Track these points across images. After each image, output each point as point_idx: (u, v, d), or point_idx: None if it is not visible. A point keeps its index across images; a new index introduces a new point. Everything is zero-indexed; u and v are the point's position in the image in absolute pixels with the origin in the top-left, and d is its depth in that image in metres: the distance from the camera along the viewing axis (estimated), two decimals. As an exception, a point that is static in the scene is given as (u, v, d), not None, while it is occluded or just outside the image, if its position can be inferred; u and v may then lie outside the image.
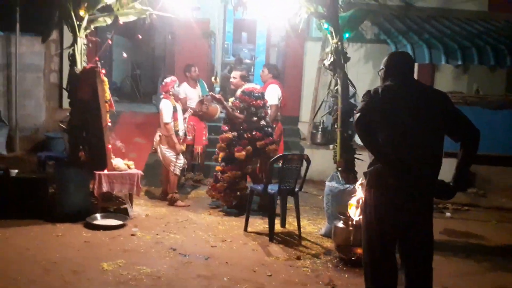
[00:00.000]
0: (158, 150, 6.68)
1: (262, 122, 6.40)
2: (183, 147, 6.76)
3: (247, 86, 6.48)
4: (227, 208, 6.48)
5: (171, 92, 6.67)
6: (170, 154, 6.59)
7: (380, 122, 3.32)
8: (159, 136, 6.64)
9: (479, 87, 9.43)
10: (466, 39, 7.88)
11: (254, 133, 6.31)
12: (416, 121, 3.27)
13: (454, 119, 3.36)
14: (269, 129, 6.50)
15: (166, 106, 6.55)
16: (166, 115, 6.51)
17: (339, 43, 5.72)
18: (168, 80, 6.71)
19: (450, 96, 8.46)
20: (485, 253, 5.43)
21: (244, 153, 6.25)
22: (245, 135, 6.32)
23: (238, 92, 6.50)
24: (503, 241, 5.84)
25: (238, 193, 6.42)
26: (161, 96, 6.77)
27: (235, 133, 6.35)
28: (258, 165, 6.58)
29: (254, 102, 6.33)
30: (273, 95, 7.19)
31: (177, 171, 6.65)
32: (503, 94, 8.99)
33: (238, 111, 6.35)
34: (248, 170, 6.42)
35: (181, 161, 6.70)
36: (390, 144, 3.28)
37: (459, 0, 9.62)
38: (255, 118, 6.34)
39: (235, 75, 6.63)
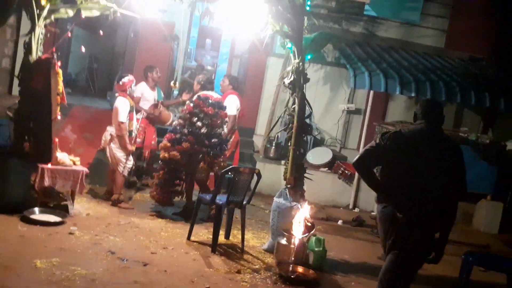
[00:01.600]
0: (107, 149, 6.53)
1: (203, 130, 6.30)
2: (134, 148, 6.66)
3: (205, 92, 6.54)
4: (173, 214, 6.42)
5: (128, 91, 6.57)
6: (120, 154, 6.46)
7: (400, 161, 3.59)
8: (110, 134, 6.50)
9: (429, 120, 9.78)
10: (422, 73, 8.21)
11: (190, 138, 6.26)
12: (436, 166, 3.55)
13: (458, 174, 3.63)
14: (215, 139, 6.37)
15: (123, 105, 6.42)
16: (122, 114, 6.38)
17: (300, 63, 5.81)
18: (126, 79, 6.59)
19: (400, 125, 8.78)
20: (422, 280, 5.58)
21: (167, 155, 6.22)
22: (187, 138, 6.27)
23: (195, 97, 6.55)
24: (439, 271, 6.03)
25: (175, 195, 6.47)
26: (117, 94, 6.64)
27: (177, 136, 6.33)
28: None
29: (205, 108, 6.34)
30: (232, 105, 7.20)
31: (125, 172, 6.53)
32: (451, 129, 9.39)
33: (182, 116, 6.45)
34: (197, 177, 6.40)
35: (131, 162, 6.58)
36: (406, 183, 3.57)
37: (418, 34, 10.02)
38: (198, 123, 6.29)
39: (197, 80, 6.77)
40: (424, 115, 3.74)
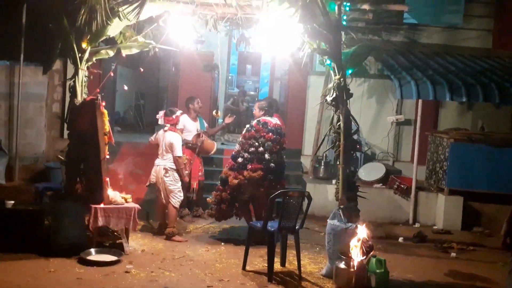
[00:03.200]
0: (161, 182, 6.54)
1: (267, 155, 6.42)
2: (187, 179, 6.82)
3: (264, 117, 6.68)
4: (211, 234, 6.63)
5: (178, 126, 6.68)
6: (173, 187, 6.50)
7: None
8: (164, 168, 6.52)
9: (484, 124, 9.35)
10: (471, 76, 7.84)
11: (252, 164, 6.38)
12: None
13: None
14: (273, 165, 6.45)
15: (177, 140, 6.55)
16: (179, 148, 6.53)
17: (341, 79, 5.67)
18: (178, 113, 6.72)
19: (455, 133, 8.42)
20: (492, 297, 5.24)
21: (236, 181, 6.36)
22: (248, 165, 6.39)
23: (254, 122, 6.68)
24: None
25: (232, 214, 6.61)
26: (166, 129, 6.67)
27: (240, 160, 6.45)
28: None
29: (265, 133, 6.46)
30: None
31: (177, 204, 6.55)
32: (509, 132, 8.91)
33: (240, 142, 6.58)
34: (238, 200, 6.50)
35: (182, 194, 6.62)
36: None
37: (463, 37, 9.67)
38: (261, 149, 6.43)
39: (255, 106, 6.96)
40: None
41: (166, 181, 6.50)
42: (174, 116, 6.65)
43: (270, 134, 6.49)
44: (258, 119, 6.68)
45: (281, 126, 6.91)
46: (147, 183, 6.79)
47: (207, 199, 6.89)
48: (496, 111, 9.40)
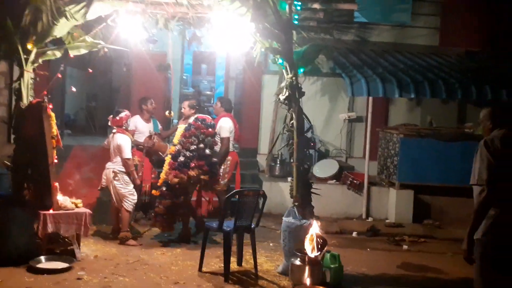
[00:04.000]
0: (111, 186, 6.43)
1: (207, 151, 6.51)
2: (139, 182, 6.63)
3: (200, 114, 6.72)
4: (167, 236, 6.53)
5: (124, 127, 6.50)
6: (125, 190, 6.37)
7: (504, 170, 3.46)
8: (113, 172, 6.40)
9: (432, 119, 9.66)
10: (419, 73, 8.09)
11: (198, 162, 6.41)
12: None
13: None
14: (214, 159, 6.62)
15: (126, 141, 6.38)
16: (127, 151, 6.35)
17: (294, 78, 5.71)
18: (123, 114, 6.53)
19: (404, 128, 8.67)
20: (443, 287, 5.41)
21: (176, 180, 6.32)
22: (191, 163, 6.38)
23: (191, 120, 6.65)
24: (459, 274, 5.82)
25: (177, 220, 6.53)
26: (114, 131, 6.56)
27: (182, 159, 6.40)
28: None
29: (205, 130, 6.52)
30: (225, 128, 7.17)
31: (130, 208, 6.42)
32: (456, 126, 9.23)
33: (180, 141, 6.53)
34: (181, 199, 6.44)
35: (135, 197, 6.49)
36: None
37: (411, 35, 9.94)
38: (201, 145, 6.47)
39: (184, 105, 6.97)
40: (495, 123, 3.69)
41: (116, 185, 6.37)
42: (118, 117, 6.49)
43: (210, 129, 6.57)
44: (195, 117, 6.67)
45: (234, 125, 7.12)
46: (99, 187, 6.65)
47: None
48: (443, 106, 9.74)
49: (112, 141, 6.48)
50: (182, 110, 7.08)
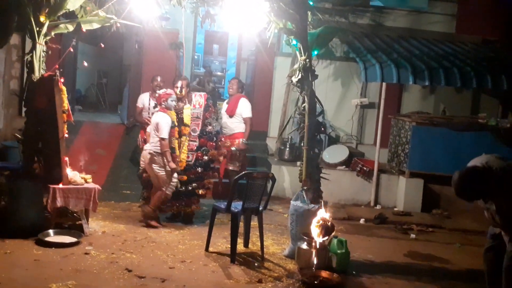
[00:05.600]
0: (149, 169, 6.09)
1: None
2: (177, 167, 6.19)
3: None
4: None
5: (163, 105, 6.18)
6: (163, 173, 6.05)
7: None
8: (150, 153, 6.07)
9: (445, 108, 9.54)
10: (434, 60, 7.96)
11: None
12: None
13: None
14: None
15: (165, 120, 6.02)
16: (165, 130, 5.97)
17: (307, 60, 5.63)
18: (162, 92, 6.26)
19: (416, 116, 8.55)
20: (449, 277, 5.39)
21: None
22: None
23: (197, 100, 6.59)
24: (466, 265, 5.80)
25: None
26: (157, 109, 6.26)
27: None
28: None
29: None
30: (247, 108, 7.23)
31: (170, 192, 6.14)
32: (469, 116, 9.11)
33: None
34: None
35: (176, 180, 6.19)
36: None
37: (427, 21, 9.76)
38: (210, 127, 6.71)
39: (183, 84, 6.47)
40: None
41: (154, 168, 6.03)
42: (156, 95, 6.31)
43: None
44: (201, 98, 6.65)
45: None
46: (139, 171, 6.37)
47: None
48: (457, 95, 9.61)
49: (152, 120, 6.20)
50: (181, 91, 6.45)
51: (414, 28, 9.66)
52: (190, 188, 6.39)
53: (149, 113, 7.01)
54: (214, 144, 6.64)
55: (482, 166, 3.70)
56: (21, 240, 5.18)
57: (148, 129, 6.28)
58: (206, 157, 6.53)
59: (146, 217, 6.13)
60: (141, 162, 6.32)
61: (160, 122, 6.03)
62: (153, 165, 6.06)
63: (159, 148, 6.02)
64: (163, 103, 6.17)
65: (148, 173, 6.18)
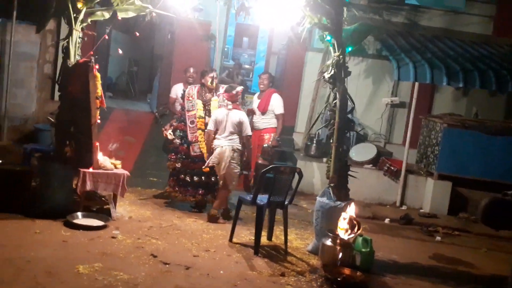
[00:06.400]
0: (225, 165, 6.03)
1: None
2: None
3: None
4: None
5: (238, 102, 6.25)
6: (237, 170, 6.13)
7: None
8: (233, 150, 6.07)
9: (478, 111, 9.35)
10: (469, 62, 7.79)
11: None
12: None
13: None
14: None
15: (246, 117, 6.19)
16: (249, 127, 6.17)
17: (341, 56, 5.58)
18: (239, 89, 6.20)
19: (448, 118, 8.37)
20: (474, 282, 5.31)
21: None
22: None
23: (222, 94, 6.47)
24: (492, 270, 5.70)
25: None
26: (230, 107, 6.15)
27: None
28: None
29: None
30: (280, 104, 7.22)
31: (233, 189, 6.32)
32: (502, 120, 8.91)
33: None
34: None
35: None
36: None
37: (463, 22, 9.56)
38: None
39: (214, 75, 6.55)
40: None
41: (231, 164, 6.05)
42: (234, 91, 6.12)
43: None
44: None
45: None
46: (206, 166, 6.18)
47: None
48: (490, 98, 9.40)
49: (228, 118, 6.12)
50: (212, 83, 6.47)
51: (449, 28, 9.48)
52: (213, 179, 6.40)
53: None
54: None
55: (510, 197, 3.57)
56: (50, 221, 5.30)
57: (213, 125, 6.15)
58: None
59: (212, 220, 6.08)
60: (215, 158, 6.08)
61: (245, 120, 6.14)
62: (232, 161, 6.09)
63: (239, 144, 6.13)
64: (238, 100, 6.23)
65: (220, 169, 6.08)
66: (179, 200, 6.46)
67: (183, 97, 6.59)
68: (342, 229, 5.02)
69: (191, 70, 7.38)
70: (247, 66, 14.57)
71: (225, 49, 13.07)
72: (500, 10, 9.54)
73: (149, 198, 6.78)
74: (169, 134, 6.58)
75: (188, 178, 6.39)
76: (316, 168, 8.29)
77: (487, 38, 9.43)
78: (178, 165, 6.41)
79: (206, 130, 6.29)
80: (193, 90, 6.58)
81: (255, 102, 7.73)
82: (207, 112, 6.43)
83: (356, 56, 8.94)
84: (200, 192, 6.42)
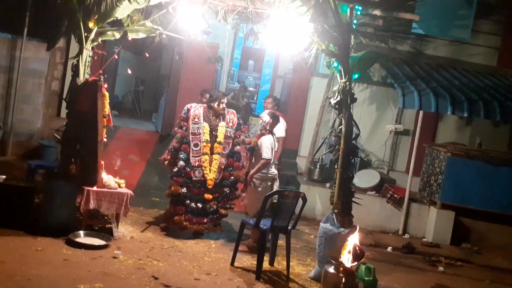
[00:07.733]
0: (251, 192, 6.11)
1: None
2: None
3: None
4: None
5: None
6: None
7: None
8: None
9: (482, 141, 9.36)
10: (474, 92, 7.85)
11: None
12: None
13: None
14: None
15: (269, 141, 6.08)
16: (268, 150, 6.02)
17: (347, 83, 5.63)
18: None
19: (452, 147, 8.38)
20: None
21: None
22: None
23: (233, 119, 6.45)
24: (496, 303, 5.65)
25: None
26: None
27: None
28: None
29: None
30: (282, 127, 7.21)
31: None
32: (506, 151, 8.92)
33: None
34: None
35: None
36: None
37: (468, 53, 9.66)
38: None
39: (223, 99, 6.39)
40: None
41: (256, 189, 6.11)
42: (266, 121, 6.20)
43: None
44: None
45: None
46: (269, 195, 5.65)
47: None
48: (494, 129, 9.43)
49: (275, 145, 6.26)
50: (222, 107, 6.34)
51: (454, 58, 9.57)
52: (214, 207, 6.23)
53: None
54: (241, 164, 6.37)
55: None
56: (52, 238, 5.27)
57: (271, 153, 6.11)
58: (232, 177, 6.30)
59: (253, 250, 5.87)
60: (276, 187, 6.16)
61: (265, 143, 6.09)
62: (259, 189, 6.11)
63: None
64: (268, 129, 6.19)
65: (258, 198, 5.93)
66: (191, 229, 6.17)
67: (187, 116, 6.27)
68: (346, 257, 4.97)
69: (207, 95, 7.07)
70: (252, 89, 14.66)
71: (231, 71, 13.20)
72: (505, 41, 9.64)
73: (151, 218, 6.71)
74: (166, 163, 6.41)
75: (193, 205, 6.10)
76: (320, 192, 8.27)
77: (492, 69, 9.51)
78: (184, 190, 6.09)
79: (267, 158, 6.01)
80: (199, 110, 6.27)
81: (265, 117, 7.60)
82: (214, 138, 6.21)
83: (361, 83, 9.01)
84: (205, 220, 6.19)
